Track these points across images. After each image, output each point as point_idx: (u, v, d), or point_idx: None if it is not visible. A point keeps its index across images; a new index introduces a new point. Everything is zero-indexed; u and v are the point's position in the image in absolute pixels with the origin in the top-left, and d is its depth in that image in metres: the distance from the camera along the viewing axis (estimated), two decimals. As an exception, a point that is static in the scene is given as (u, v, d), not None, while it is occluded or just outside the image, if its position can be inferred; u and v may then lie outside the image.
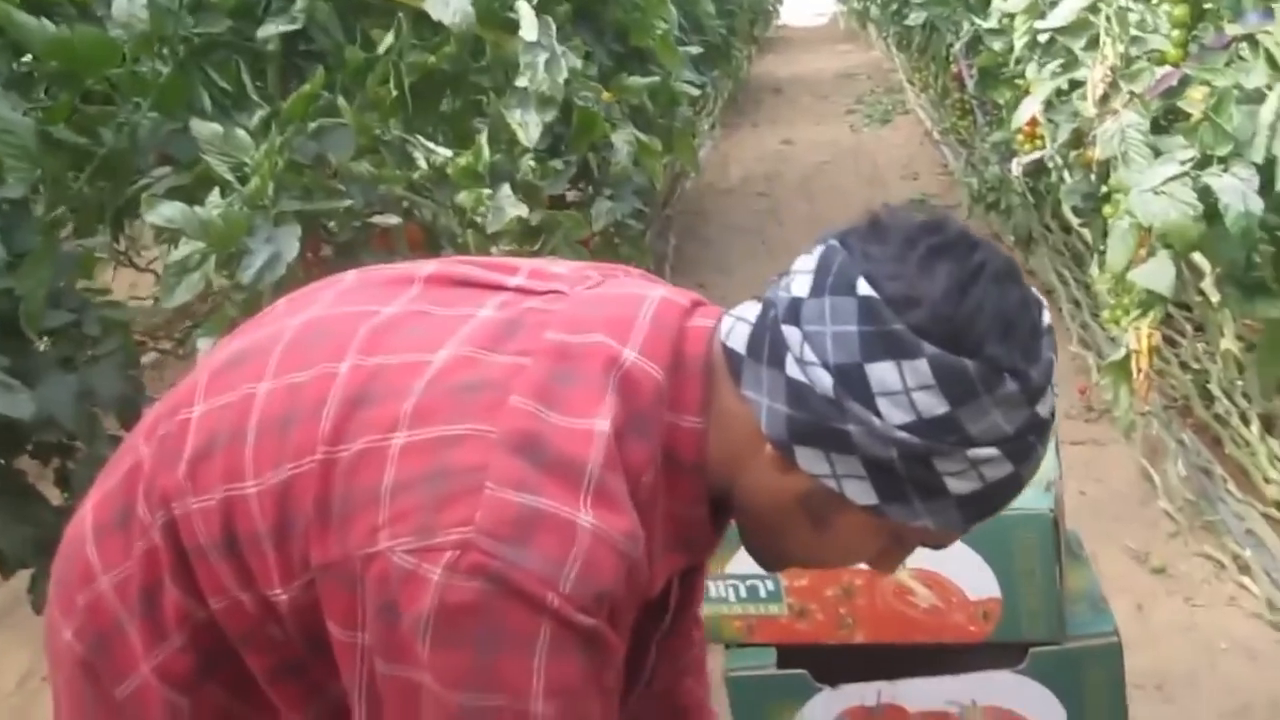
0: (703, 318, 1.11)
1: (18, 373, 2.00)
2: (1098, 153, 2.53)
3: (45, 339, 2.14)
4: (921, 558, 1.85)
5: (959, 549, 1.83)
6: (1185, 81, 2.49)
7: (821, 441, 0.99)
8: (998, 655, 1.89)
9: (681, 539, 1.09)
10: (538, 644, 0.94)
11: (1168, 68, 2.47)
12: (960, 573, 1.85)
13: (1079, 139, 3.16)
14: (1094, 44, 2.58)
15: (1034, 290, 1.05)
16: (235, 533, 1.02)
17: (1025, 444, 1.00)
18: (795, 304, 1.01)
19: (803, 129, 11.18)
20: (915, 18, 6.46)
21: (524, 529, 0.95)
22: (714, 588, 1.91)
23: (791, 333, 1.00)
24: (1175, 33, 2.46)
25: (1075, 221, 3.91)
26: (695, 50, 5.06)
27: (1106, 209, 2.78)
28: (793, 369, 0.99)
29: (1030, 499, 1.87)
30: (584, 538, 0.95)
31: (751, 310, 1.08)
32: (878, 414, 0.96)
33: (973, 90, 5.47)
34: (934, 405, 0.96)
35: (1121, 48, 2.48)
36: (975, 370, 0.96)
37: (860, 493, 1.01)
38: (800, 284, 1.01)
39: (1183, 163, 2.28)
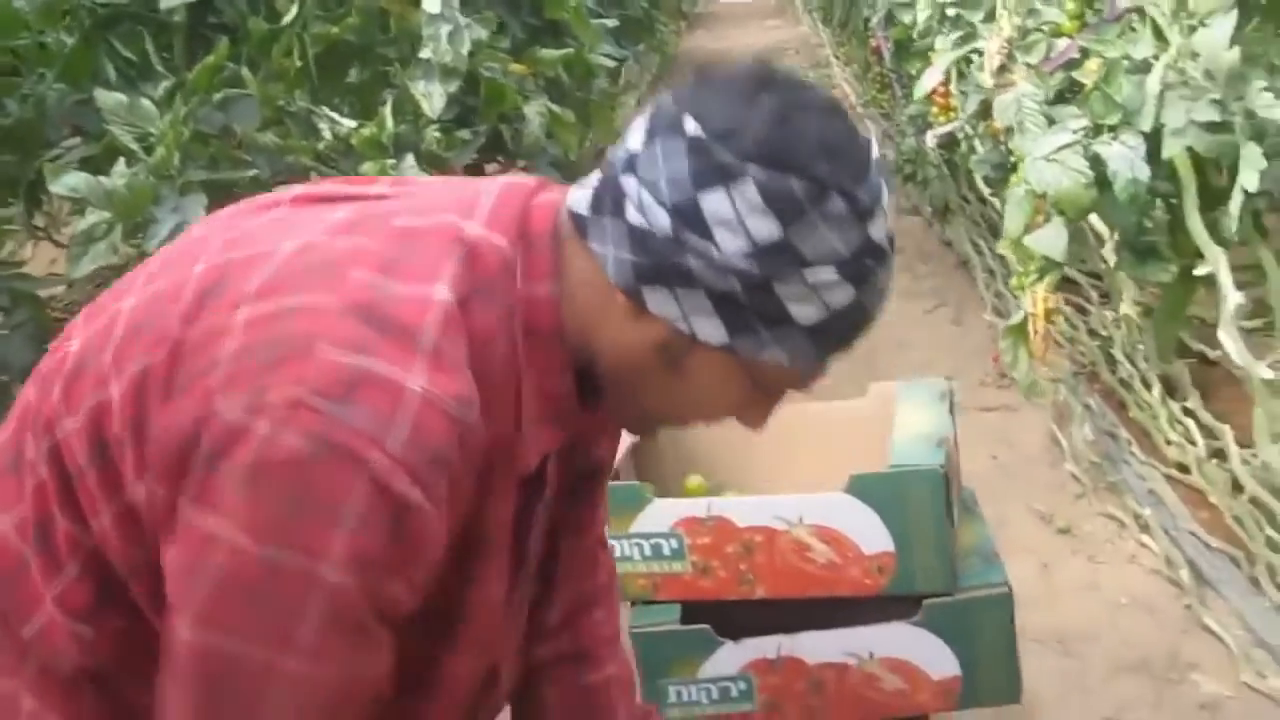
0: (549, 193, 1.14)
1: (-75, 345, 2.01)
2: (997, 122, 2.59)
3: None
4: (817, 514, 1.92)
5: (852, 505, 1.90)
6: (1085, 53, 2.55)
7: (666, 280, 1.02)
8: (893, 608, 1.95)
9: (552, 412, 1.10)
10: (347, 508, 0.94)
11: (1064, 40, 2.54)
12: (855, 528, 1.91)
13: (987, 110, 3.22)
14: (992, 16, 2.64)
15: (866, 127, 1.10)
16: (104, 438, 1.03)
17: (863, 267, 1.03)
18: (630, 156, 1.04)
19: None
20: (835, -8, 6.50)
21: (352, 388, 0.95)
22: (620, 546, 1.95)
23: (629, 182, 1.03)
24: (1070, 5, 2.52)
25: (987, 192, 3.99)
26: (612, 23, 5.06)
27: (1014, 178, 2.85)
28: (633, 215, 1.02)
29: (922, 455, 1.94)
30: (412, 399, 0.96)
31: (594, 177, 1.10)
32: (715, 245, 0.99)
33: (890, 63, 5.53)
34: (766, 228, 0.99)
35: (1018, 20, 2.54)
36: (801, 189, 0.99)
37: (710, 330, 1.03)
38: (634, 138, 1.05)
39: (1075, 131, 2.35)
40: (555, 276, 1.07)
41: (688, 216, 1.00)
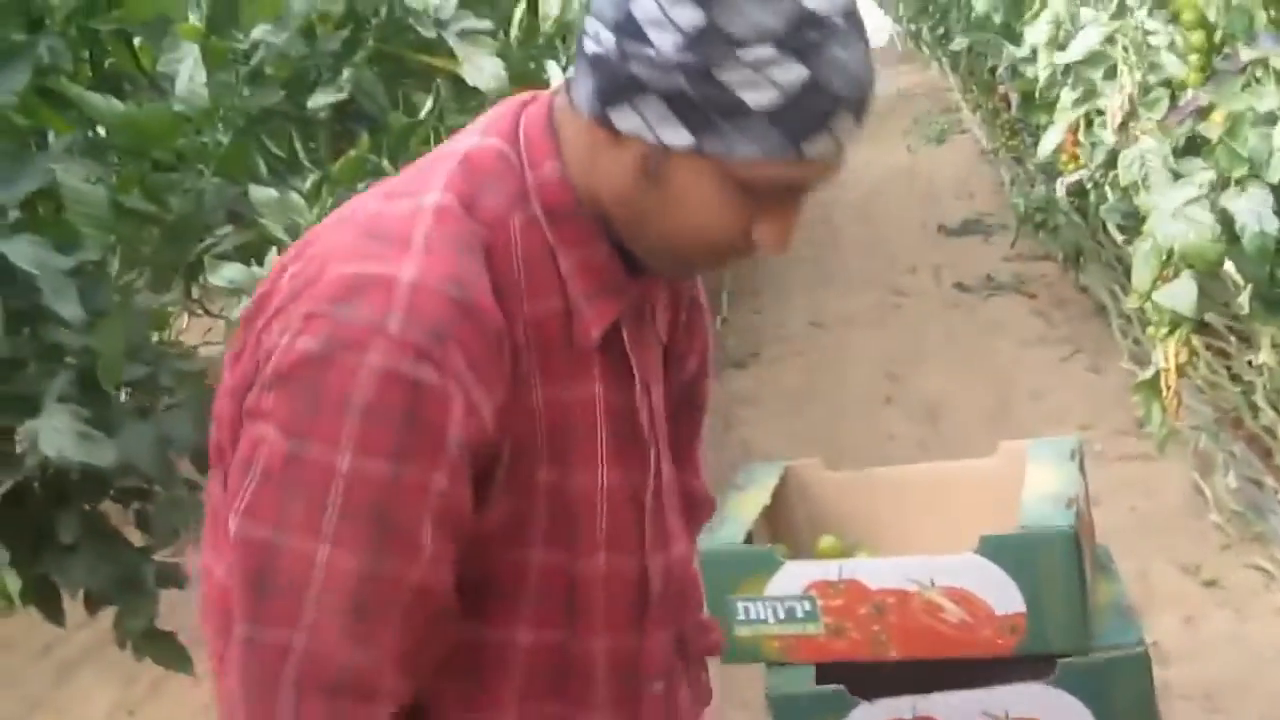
0: (544, 95, 1.19)
1: (99, 424, 2.14)
2: (1121, 177, 2.60)
3: (124, 391, 2.28)
4: (949, 575, 1.94)
5: (983, 566, 1.92)
6: (1210, 106, 2.55)
7: (623, 94, 1.05)
8: (1028, 668, 1.96)
9: (599, 285, 1.14)
10: (358, 396, 1.02)
11: (1187, 93, 2.54)
12: (987, 589, 1.92)
13: (1114, 160, 3.22)
14: (1113, 74, 2.65)
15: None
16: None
17: (805, 40, 1.02)
18: (591, 4, 1.11)
19: (860, 149, 11.17)
20: (959, 43, 6.52)
21: (353, 290, 1.03)
22: (754, 610, 1.99)
23: (587, 22, 1.09)
24: (1193, 58, 2.52)
25: (1120, 239, 3.96)
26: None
27: (1146, 226, 2.84)
28: (589, 45, 1.08)
29: (1053, 516, 1.94)
30: (403, 288, 1.03)
31: None
32: (652, 45, 1.03)
33: (1017, 112, 5.52)
34: (689, 16, 1.02)
35: (1139, 76, 2.55)
36: None
37: (675, 135, 1.05)
38: None
39: (1201, 185, 2.35)
40: (556, 155, 1.13)
41: (625, 27, 1.04)
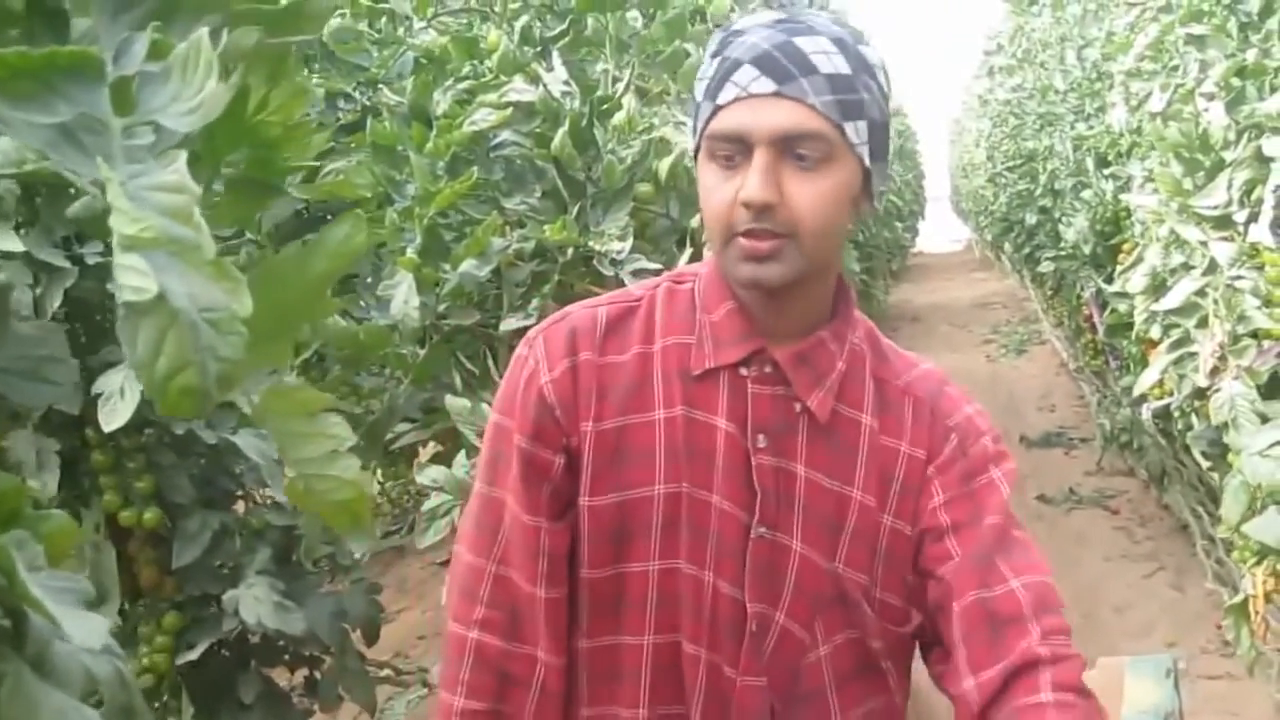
0: None
1: (291, 595, 2.41)
2: (1213, 417, 2.83)
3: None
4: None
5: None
6: (1292, 353, 2.80)
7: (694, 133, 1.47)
8: None
9: (716, 339, 1.44)
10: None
11: (1272, 342, 2.79)
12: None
13: (1201, 392, 3.45)
14: (1204, 323, 2.92)
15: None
16: None
17: (725, 43, 1.42)
18: None
19: (940, 357, 11.46)
20: (1046, 266, 6.80)
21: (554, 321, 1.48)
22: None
23: None
24: (1278, 311, 2.78)
25: (1205, 465, 4.15)
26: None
27: (1231, 455, 3.06)
28: None
29: (1153, 730, 2.14)
30: (562, 320, 1.47)
31: None
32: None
33: (1103, 336, 5.75)
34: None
35: (1229, 326, 2.81)
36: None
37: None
38: None
39: (1286, 429, 2.58)
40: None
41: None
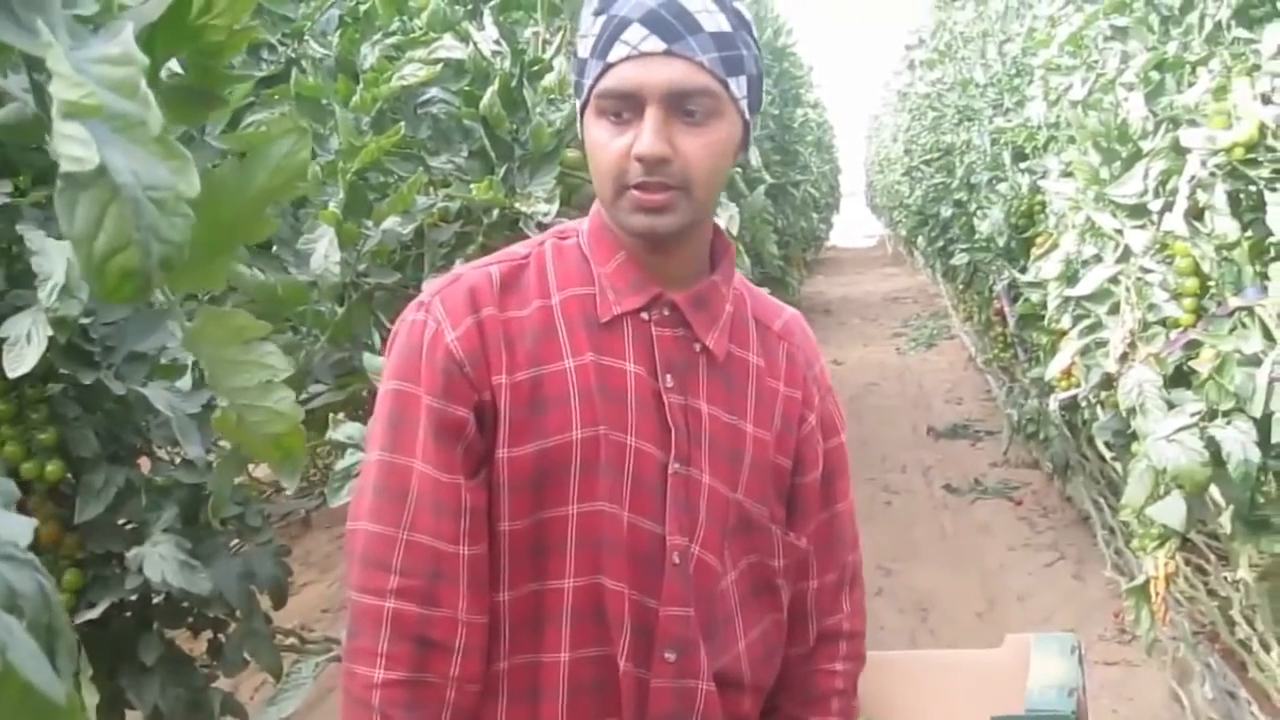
0: None
1: (196, 555, 2.36)
2: (1120, 403, 2.88)
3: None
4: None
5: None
6: (1196, 343, 2.86)
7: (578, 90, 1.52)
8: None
9: (615, 288, 1.50)
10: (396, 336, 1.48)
11: (1179, 331, 2.85)
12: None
13: (1109, 383, 3.51)
14: (1115, 309, 2.97)
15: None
16: None
17: (608, 2, 1.44)
18: None
19: (851, 350, 11.58)
20: (960, 259, 6.89)
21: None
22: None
23: None
24: (1186, 301, 2.84)
25: (1108, 455, 4.23)
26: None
27: (1135, 445, 3.12)
28: None
29: (1056, 703, 2.17)
30: (456, 281, 1.48)
31: None
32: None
33: (1013, 328, 5.84)
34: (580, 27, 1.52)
35: (1139, 314, 2.86)
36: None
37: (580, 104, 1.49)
38: None
39: (1192, 415, 2.63)
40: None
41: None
